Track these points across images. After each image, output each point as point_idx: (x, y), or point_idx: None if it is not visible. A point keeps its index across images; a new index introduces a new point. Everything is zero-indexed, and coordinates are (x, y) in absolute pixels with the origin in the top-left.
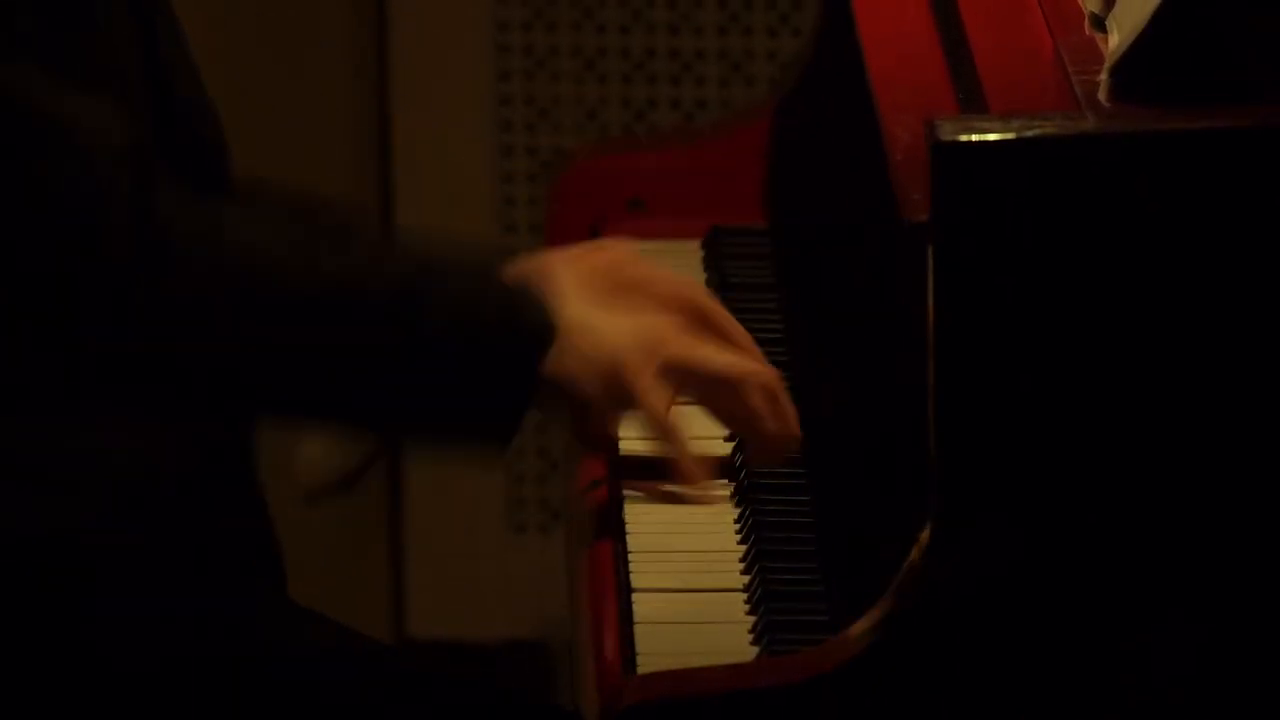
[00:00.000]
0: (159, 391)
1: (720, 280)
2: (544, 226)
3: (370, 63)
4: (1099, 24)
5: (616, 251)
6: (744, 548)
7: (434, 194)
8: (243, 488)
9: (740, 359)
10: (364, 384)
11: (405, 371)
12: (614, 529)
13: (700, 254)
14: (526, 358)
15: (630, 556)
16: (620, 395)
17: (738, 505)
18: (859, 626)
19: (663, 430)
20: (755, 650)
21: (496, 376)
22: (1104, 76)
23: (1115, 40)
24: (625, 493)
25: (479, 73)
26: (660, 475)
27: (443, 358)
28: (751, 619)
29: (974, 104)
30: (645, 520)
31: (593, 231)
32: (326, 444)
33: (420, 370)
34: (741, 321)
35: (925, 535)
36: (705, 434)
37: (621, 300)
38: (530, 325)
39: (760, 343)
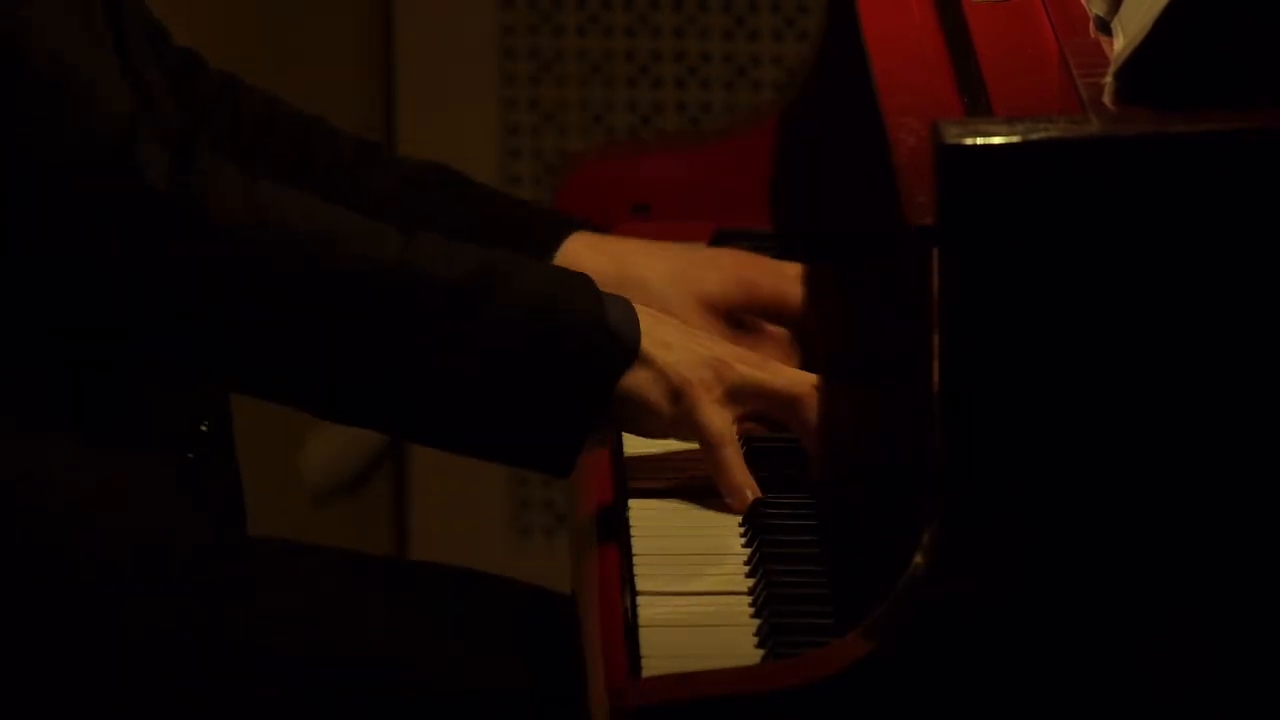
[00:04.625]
0: (184, 356)
1: None
2: None
3: (376, 66)
4: (1104, 27)
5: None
6: (748, 550)
7: None
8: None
9: (798, 377)
10: (409, 383)
11: (460, 375)
12: (619, 532)
13: None
14: (605, 374)
15: (635, 559)
16: (683, 415)
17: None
18: (863, 629)
19: (720, 452)
20: (760, 653)
21: (565, 392)
22: (1109, 79)
23: (1120, 43)
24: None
25: (484, 76)
26: (667, 477)
27: (504, 367)
28: (756, 622)
29: (979, 107)
30: (650, 523)
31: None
32: (333, 446)
33: (477, 378)
34: None
35: (929, 538)
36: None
37: (700, 319)
38: (611, 342)
39: None
